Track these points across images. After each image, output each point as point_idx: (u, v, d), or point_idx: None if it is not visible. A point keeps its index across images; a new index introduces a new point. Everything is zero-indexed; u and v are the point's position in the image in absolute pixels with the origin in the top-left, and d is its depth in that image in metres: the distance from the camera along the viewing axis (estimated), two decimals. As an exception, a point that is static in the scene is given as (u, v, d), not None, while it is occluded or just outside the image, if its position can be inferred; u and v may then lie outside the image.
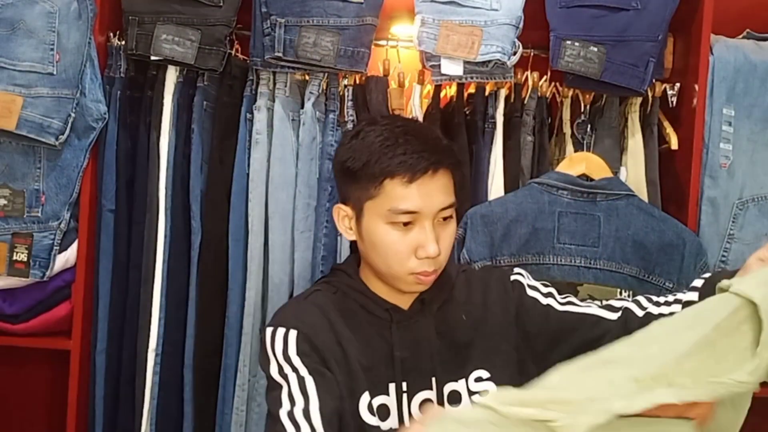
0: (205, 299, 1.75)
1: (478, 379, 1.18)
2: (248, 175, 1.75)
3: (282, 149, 1.74)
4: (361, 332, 1.16)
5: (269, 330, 1.14)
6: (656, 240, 1.62)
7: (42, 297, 1.77)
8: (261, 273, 1.74)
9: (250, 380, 1.72)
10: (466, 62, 1.71)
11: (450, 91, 1.91)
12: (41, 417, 2.05)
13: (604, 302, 1.21)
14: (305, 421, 1.04)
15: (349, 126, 1.76)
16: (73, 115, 1.71)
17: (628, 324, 1.14)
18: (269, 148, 1.75)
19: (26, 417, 2.05)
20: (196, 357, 1.75)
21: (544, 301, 1.22)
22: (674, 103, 1.79)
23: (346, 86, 1.80)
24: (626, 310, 1.17)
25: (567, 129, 1.84)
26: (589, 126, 1.82)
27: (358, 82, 1.81)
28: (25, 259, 1.71)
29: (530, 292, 1.23)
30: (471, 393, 1.17)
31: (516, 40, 1.73)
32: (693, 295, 1.13)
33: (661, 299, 1.17)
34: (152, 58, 1.73)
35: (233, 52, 1.80)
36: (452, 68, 1.72)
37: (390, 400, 1.14)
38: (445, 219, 1.14)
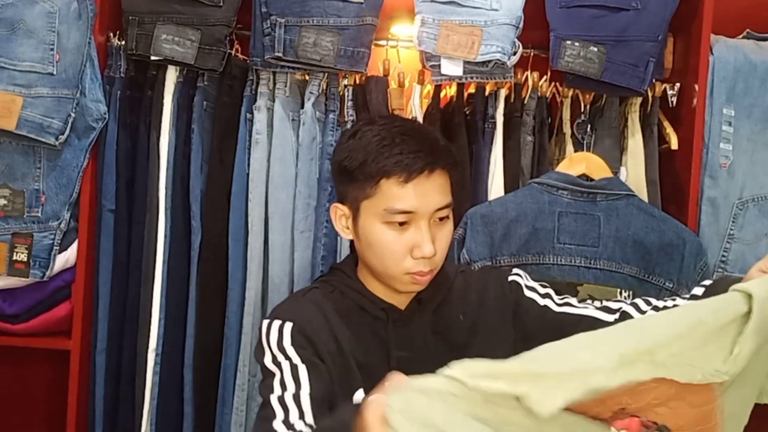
0: (205, 299, 1.75)
1: None
2: (248, 175, 1.75)
3: (282, 149, 1.74)
4: (357, 330, 1.16)
5: (265, 322, 1.15)
6: (656, 240, 1.62)
7: (42, 297, 1.77)
8: (261, 273, 1.74)
9: (249, 380, 1.72)
10: (466, 62, 1.71)
11: (450, 91, 1.91)
12: (41, 417, 2.05)
13: (602, 304, 1.21)
14: (295, 405, 1.04)
15: (349, 126, 1.76)
16: (73, 115, 1.71)
17: None
18: (269, 148, 1.75)
19: (26, 417, 2.05)
20: (196, 357, 1.75)
21: (541, 302, 1.22)
22: (674, 103, 1.79)
23: (346, 86, 1.80)
24: (623, 312, 1.17)
25: (567, 129, 1.84)
26: (589, 126, 1.82)
27: (358, 82, 1.81)
28: (25, 259, 1.71)
29: (528, 293, 1.23)
30: None
31: (516, 40, 1.73)
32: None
33: (660, 303, 1.17)
34: (152, 58, 1.73)
35: (233, 52, 1.80)
36: (452, 68, 1.72)
37: None
38: (441, 219, 1.14)
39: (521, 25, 1.72)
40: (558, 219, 1.64)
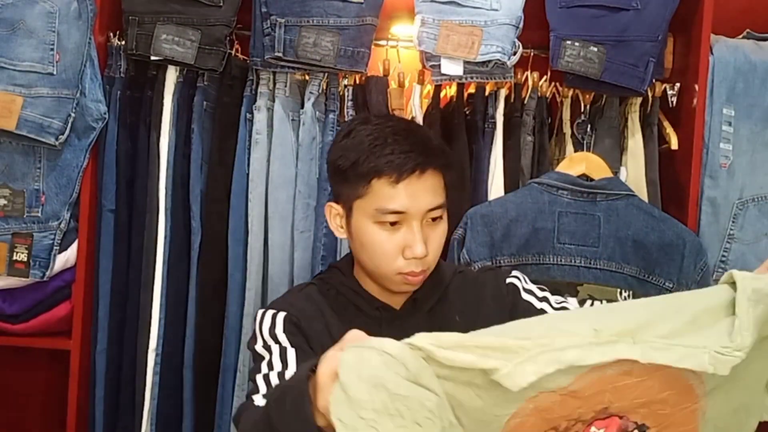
0: (205, 299, 1.75)
1: None
2: (248, 175, 1.75)
3: (282, 149, 1.74)
4: (351, 326, 1.16)
5: (260, 312, 1.16)
6: (656, 240, 1.62)
7: (42, 297, 1.77)
8: (261, 273, 1.74)
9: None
10: (466, 62, 1.71)
11: (450, 91, 1.91)
12: (41, 417, 2.05)
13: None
14: (279, 382, 1.03)
15: (348, 126, 1.76)
16: (73, 115, 1.71)
17: None
18: (269, 148, 1.75)
19: (26, 417, 2.05)
20: (195, 357, 1.75)
21: (538, 305, 1.21)
22: (674, 103, 1.79)
23: (346, 86, 1.80)
24: None
25: (567, 129, 1.84)
26: (589, 126, 1.82)
27: (358, 82, 1.81)
28: (25, 259, 1.71)
29: (525, 296, 1.22)
30: None
31: (516, 40, 1.73)
32: None
33: None
34: (152, 58, 1.73)
35: (233, 52, 1.80)
36: (452, 68, 1.72)
37: None
38: (434, 219, 1.13)
39: (521, 25, 1.73)
40: (558, 219, 1.64)
